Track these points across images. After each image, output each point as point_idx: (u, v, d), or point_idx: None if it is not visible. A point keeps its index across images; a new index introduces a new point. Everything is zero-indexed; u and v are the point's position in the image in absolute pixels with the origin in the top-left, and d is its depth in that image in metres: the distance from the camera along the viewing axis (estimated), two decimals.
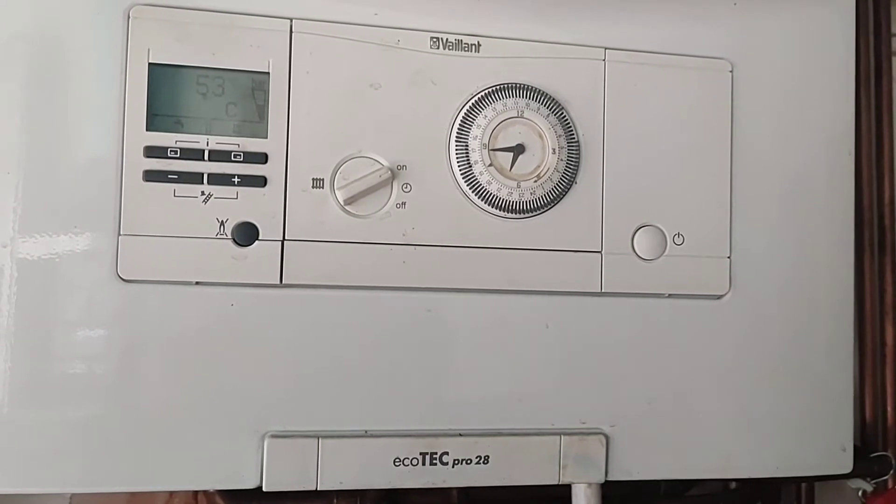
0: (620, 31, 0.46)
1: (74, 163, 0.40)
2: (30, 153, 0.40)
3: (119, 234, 0.40)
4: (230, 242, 0.41)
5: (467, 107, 0.44)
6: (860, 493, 0.55)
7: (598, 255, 0.45)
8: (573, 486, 0.45)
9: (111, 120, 0.41)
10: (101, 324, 0.40)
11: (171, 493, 0.56)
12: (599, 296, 0.45)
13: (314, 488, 0.41)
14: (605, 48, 0.46)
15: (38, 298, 0.40)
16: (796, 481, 0.58)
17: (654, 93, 0.46)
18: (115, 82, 0.41)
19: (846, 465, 0.48)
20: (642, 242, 0.45)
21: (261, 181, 0.41)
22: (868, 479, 0.54)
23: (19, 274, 0.40)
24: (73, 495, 0.55)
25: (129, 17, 0.41)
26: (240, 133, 0.42)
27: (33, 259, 0.40)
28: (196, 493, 0.55)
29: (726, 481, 0.57)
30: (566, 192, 0.45)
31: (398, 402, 0.43)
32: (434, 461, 0.42)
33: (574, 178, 0.45)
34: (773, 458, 0.48)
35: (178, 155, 0.41)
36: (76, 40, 0.41)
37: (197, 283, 0.41)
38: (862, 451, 0.55)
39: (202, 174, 0.41)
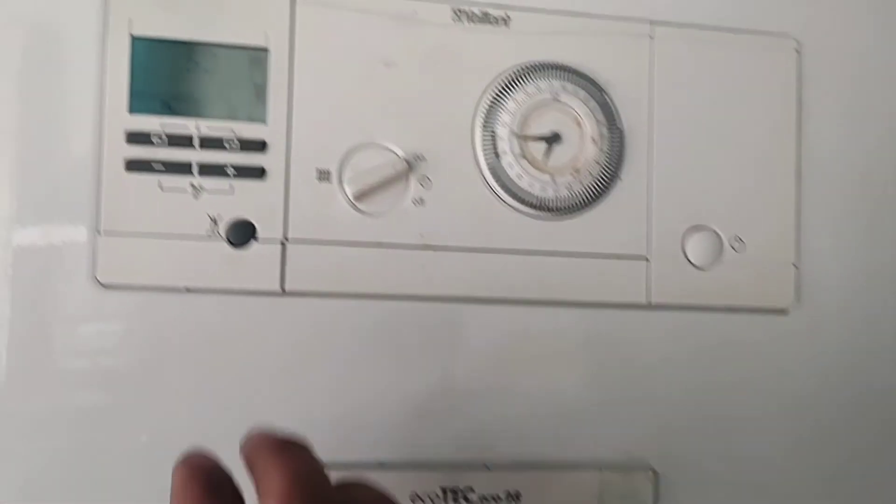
0: (671, 3, 0.44)
1: (47, 151, 0.39)
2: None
3: (98, 233, 0.39)
4: (224, 243, 0.40)
5: (495, 89, 0.42)
6: None
7: (645, 261, 0.43)
8: None
9: (88, 101, 0.39)
10: (77, 336, 0.39)
11: None
12: (646, 308, 0.43)
13: None
14: (652, 22, 0.44)
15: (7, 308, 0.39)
16: None
17: (708, 74, 0.44)
18: (92, 58, 0.39)
19: None
20: (695, 247, 0.44)
21: (258, 172, 0.40)
22: None
23: None
24: None
25: None
26: (235, 117, 0.40)
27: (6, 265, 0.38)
28: None
29: None
30: (608, 189, 0.43)
31: (416, 429, 0.41)
32: (457, 498, 0.41)
33: (617, 173, 0.43)
34: (843, 498, 0.46)
35: (164, 142, 0.39)
36: (50, 10, 0.39)
37: (187, 289, 0.39)
38: None
39: (191, 164, 0.40)
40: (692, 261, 0.44)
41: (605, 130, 0.43)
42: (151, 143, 0.39)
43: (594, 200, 0.43)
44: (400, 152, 0.41)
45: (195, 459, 0.30)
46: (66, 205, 0.39)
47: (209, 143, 0.40)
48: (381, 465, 0.40)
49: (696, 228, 0.44)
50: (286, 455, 0.29)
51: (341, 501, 0.29)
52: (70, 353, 0.39)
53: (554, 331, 0.43)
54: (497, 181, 0.42)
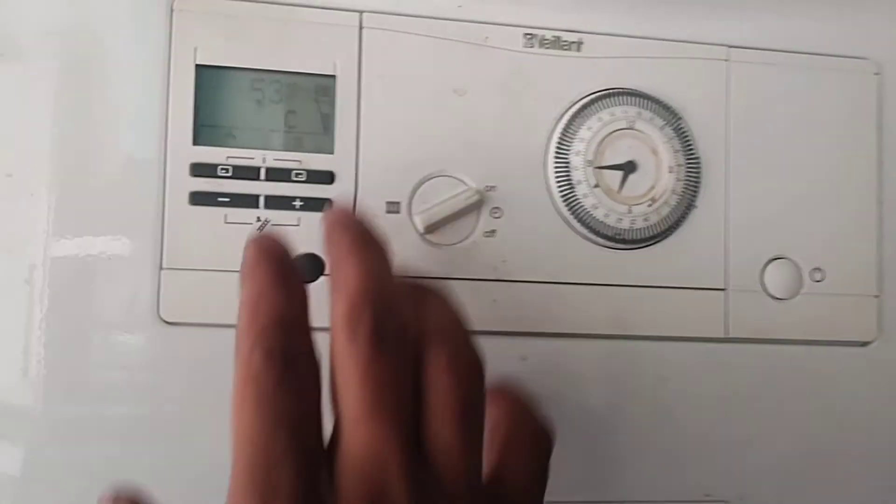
0: (747, 26, 0.43)
1: (109, 183, 0.38)
2: (58, 173, 0.38)
3: (161, 269, 0.38)
4: None
5: (568, 116, 0.41)
6: None
7: (722, 293, 0.42)
8: None
9: (152, 132, 0.38)
10: (140, 374, 0.38)
11: None
12: (724, 342, 0.42)
13: None
14: (729, 46, 0.43)
15: (67, 345, 0.38)
16: None
17: (786, 99, 0.43)
18: (156, 87, 0.38)
19: None
20: (774, 278, 0.42)
21: (326, 205, 0.39)
22: None
23: (45, 315, 0.37)
24: None
25: (172, 10, 0.39)
26: (301, 148, 0.39)
27: (60, 298, 0.38)
28: None
29: None
30: (684, 218, 0.42)
31: None
32: None
33: (693, 202, 0.42)
34: None
35: (229, 173, 0.38)
36: (113, 38, 0.38)
37: None
38: None
39: (258, 196, 0.39)
40: (771, 292, 0.42)
41: (681, 158, 0.41)
42: (217, 175, 0.38)
43: (670, 231, 0.42)
44: (471, 183, 0.40)
45: (267, 240, 0.31)
46: (130, 240, 0.38)
47: (275, 174, 0.39)
48: None
49: (775, 258, 0.43)
50: (366, 252, 0.30)
51: (409, 315, 0.30)
52: (130, 390, 0.38)
53: (629, 365, 0.42)
54: (571, 212, 0.41)
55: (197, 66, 0.39)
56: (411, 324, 0.30)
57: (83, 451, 0.38)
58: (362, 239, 0.31)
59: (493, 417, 0.34)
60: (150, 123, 0.38)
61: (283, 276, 0.30)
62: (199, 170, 0.38)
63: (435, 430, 0.29)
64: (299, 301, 0.30)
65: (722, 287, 0.42)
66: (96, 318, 0.38)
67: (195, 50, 0.39)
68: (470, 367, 0.31)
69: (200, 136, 0.38)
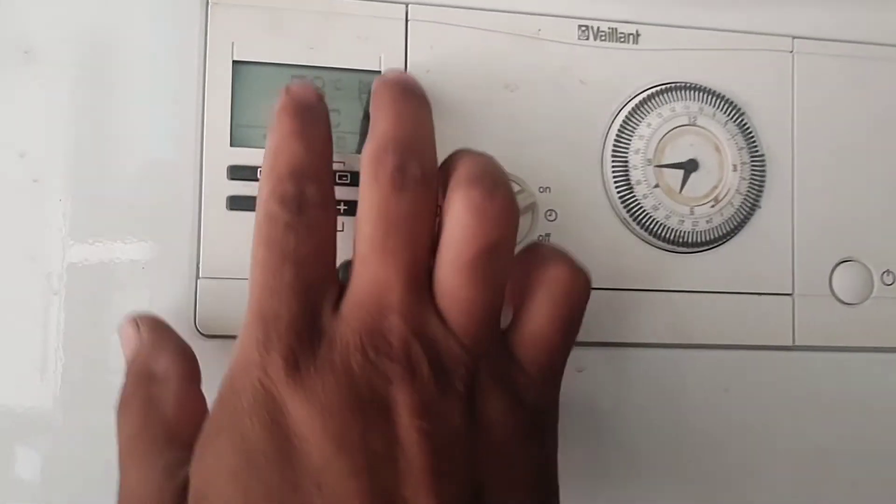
0: (812, 16, 0.41)
1: (142, 188, 0.36)
2: (87, 177, 0.36)
3: (198, 278, 0.36)
4: None
5: (626, 112, 0.39)
6: None
7: (790, 298, 0.40)
8: None
9: (187, 133, 0.36)
10: None
11: None
12: (791, 350, 0.40)
13: None
14: (794, 37, 0.41)
15: (95, 354, 0.36)
16: None
17: (854, 92, 0.41)
18: (191, 86, 0.36)
19: None
20: (843, 282, 0.40)
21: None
22: None
23: (72, 324, 0.35)
24: None
25: (208, 4, 0.37)
26: (345, 148, 0.37)
27: (87, 310, 0.36)
28: None
29: None
30: (748, 219, 0.40)
31: None
32: None
33: (758, 202, 0.40)
34: None
35: None
36: (146, 33, 0.36)
37: None
38: None
39: None
40: (840, 297, 0.40)
41: (745, 156, 0.39)
42: (256, 178, 0.36)
43: (734, 232, 0.39)
44: (524, 184, 0.38)
45: (297, 90, 0.33)
46: (164, 248, 0.36)
47: None
48: None
49: (844, 261, 0.40)
50: (400, 103, 0.32)
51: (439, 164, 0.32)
52: None
53: (691, 376, 0.40)
54: (630, 214, 0.38)
55: (234, 62, 0.37)
56: (441, 172, 0.31)
57: (105, 458, 0.36)
58: (401, 92, 0.33)
59: (523, 266, 0.33)
60: (185, 124, 0.36)
61: (303, 127, 0.31)
62: (238, 172, 0.36)
63: (442, 275, 0.30)
64: (318, 150, 0.31)
65: (788, 292, 0.40)
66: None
67: (232, 45, 0.37)
68: (492, 212, 0.29)
69: (238, 136, 0.36)
